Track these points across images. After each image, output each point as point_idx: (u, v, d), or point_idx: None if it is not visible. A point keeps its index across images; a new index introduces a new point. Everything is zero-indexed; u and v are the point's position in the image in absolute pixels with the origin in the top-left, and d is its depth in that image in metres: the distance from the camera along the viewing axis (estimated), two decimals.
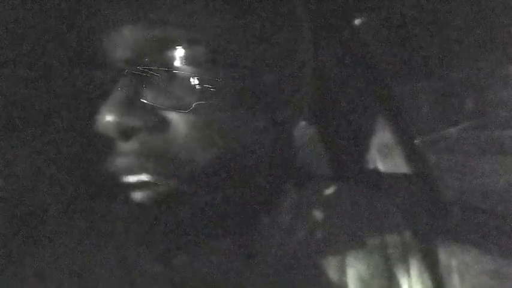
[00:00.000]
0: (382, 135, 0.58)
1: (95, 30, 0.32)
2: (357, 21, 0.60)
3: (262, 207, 0.36)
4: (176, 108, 0.30)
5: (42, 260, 0.36)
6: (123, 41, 0.31)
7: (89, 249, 0.36)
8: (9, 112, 0.38)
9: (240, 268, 0.35)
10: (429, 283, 0.35)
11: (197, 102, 0.30)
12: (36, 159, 0.40)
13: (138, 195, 0.31)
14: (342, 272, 0.35)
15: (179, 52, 0.30)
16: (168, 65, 0.30)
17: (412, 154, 0.59)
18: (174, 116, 0.31)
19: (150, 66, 0.30)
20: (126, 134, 0.31)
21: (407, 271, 0.35)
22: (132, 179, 0.31)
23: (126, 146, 0.31)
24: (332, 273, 0.35)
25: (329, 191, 0.41)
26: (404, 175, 0.58)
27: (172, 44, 0.30)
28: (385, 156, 0.58)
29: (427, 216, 0.54)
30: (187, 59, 0.30)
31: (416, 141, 0.61)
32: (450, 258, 0.36)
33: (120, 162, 0.31)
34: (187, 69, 0.30)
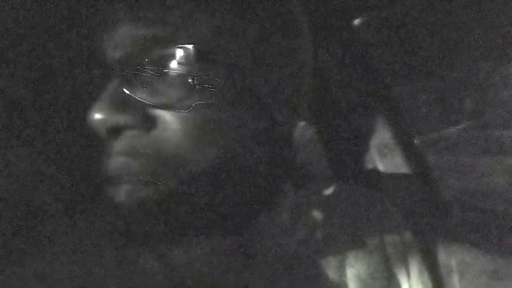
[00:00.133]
0: (382, 135, 0.58)
1: (95, 30, 0.32)
2: (357, 21, 0.61)
3: (262, 207, 0.36)
4: (176, 108, 0.30)
5: (42, 260, 0.36)
6: (122, 41, 0.31)
7: (89, 249, 0.36)
8: (9, 112, 0.38)
9: (239, 268, 0.35)
10: (429, 283, 0.35)
11: (197, 102, 0.30)
12: (36, 159, 0.40)
13: (137, 195, 0.31)
14: (342, 272, 0.35)
15: (179, 52, 0.30)
16: (168, 65, 0.30)
17: (412, 154, 0.59)
18: (174, 116, 0.31)
19: (150, 66, 0.30)
20: (116, 132, 0.31)
21: (407, 271, 0.35)
22: (131, 179, 0.31)
23: (126, 146, 0.31)
24: (332, 273, 0.35)
25: (329, 191, 0.41)
26: (404, 175, 0.58)
27: (172, 44, 0.30)
28: (385, 156, 0.58)
29: (427, 216, 0.54)
30: (187, 59, 0.30)
31: (416, 141, 0.61)
32: (450, 258, 0.36)
33: (120, 162, 0.31)
34: (187, 69, 0.30)
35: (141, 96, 0.30)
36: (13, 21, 0.35)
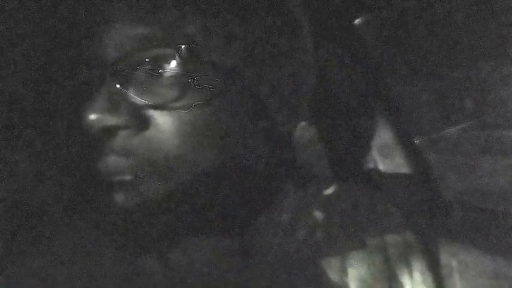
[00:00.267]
0: (382, 135, 0.58)
1: (95, 30, 0.32)
2: (357, 21, 0.60)
3: (262, 207, 0.36)
4: (176, 108, 0.30)
5: (42, 260, 0.36)
6: (121, 41, 0.31)
7: (89, 249, 0.36)
8: (9, 112, 0.38)
9: (239, 268, 0.35)
10: (429, 283, 0.35)
11: (197, 102, 0.30)
12: (36, 159, 0.40)
13: (137, 195, 0.31)
14: (342, 272, 0.35)
15: (179, 52, 0.30)
16: (168, 65, 0.30)
17: (412, 154, 0.59)
18: (174, 116, 0.31)
19: (150, 66, 0.30)
20: (113, 132, 0.31)
21: (408, 271, 0.35)
22: (131, 179, 0.31)
23: (124, 146, 0.31)
24: (332, 274, 0.35)
25: (329, 191, 0.41)
26: (405, 175, 0.58)
27: (171, 44, 0.30)
28: (385, 156, 0.58)
29: (427, 216, 0.54)
30: (187, 59, 0.30)
31: (416, 141, 0.61)
32: (450, 258, 0.36)
33: (119, 162, 0.31)
34: (187, 69, 0.30)
35: (140, 96, 0.30)
36: (13, 21, 0.35)
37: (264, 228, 0.36)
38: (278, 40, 0.34)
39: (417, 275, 0.35)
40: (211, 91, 0.31)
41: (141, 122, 0.31)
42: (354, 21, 0.60)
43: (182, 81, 0.30)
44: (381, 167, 0.58)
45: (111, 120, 0.30)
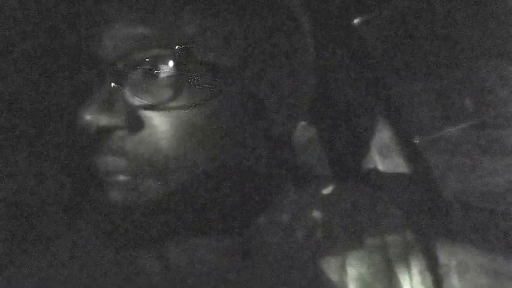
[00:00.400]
0: (382, 135, 0.58)
1: (95, 30, 0.32)
2: (356, 21, 0.60)
3: (262, 207, 0.36)
4: (176, 108, 0.30)
5: (42, 260, 0.36)
6: (121, 41, 0.31)
7: (89, 249, 0.36)
8: (10, 112, 0.38)
9: (239, 268, 0.35)
10: (429, 283, 0.35)
11: (197, 102, 0.30)
12: (36, 159, 0.40)
13: (137, 195, 0.31)
14: (342, 272, 0.35)
15: (179, 52, 0.30)
16: (168, 65, 0.30)
17: (412, 154, 0.59)
18: (174, 116, 0.31)
19: (151, 67, 0.30)
20: (110, 132, 0.31)
21: (408, 271, 0.35)
22: (131, 178, 0.31)
23: (124, 146, 0.31)
24: (332, 273, 0.35)
25: (329, 191, 0.41)
26: (405, 175, 0.58)
27: (172, 44, 0.30)
28: (385, 156, 0.58)
29: (427, 216, 0.54)
30: (187, 59, 0.30)
31: (416, 141, 0.61)
32: (450, 258, 0.36)
33: (119, 162, 0.31)
34: (186, 69, 0.30)
35: (140, 96, 0.30)
36: (13, 21, 0.35)
37: (264, 228, 0.36)
38: (278, 40, 0.34)
39: (417, 275, 0.35)
40: (211, 91, 0.31)
41: (141, 122, 0.31)
42: (353, 21, 0.60)
43: (182, 81, 0.30)
44: (381, 167, 0.58)
45: (110, 120, 0.30)
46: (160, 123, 0.31)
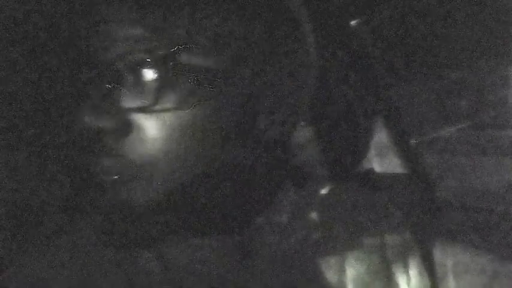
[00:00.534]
0: (382, 136, 0.58)
1: (95, 30, 0.32)
2: (356, 21, 0.60)
3: (262, 207, 0.36)
4: (176, 108, 0.30)
5: (42, 260, 0.36)
6: (122, 41, 0.31)
7: (88, 249, 0.36)
8: (10, 112, 0.39)
9: (239, 268, 0.35)
10: (428, 283, 0.35)
11: (197, 102, 0.30)
12: (36, 159, 0.40)
13: (138, 195, 0.32)
14: (341, 272, 0.35)
15: (179, 52, 0.30)
16: (168, 65, 0.30)
17: (411, 154, 0.59)
18: (174, 116, 0.31)
19: (151, 67, 0.30)
20: (110, 132, 0.31)
21: (407, 271, 0.35)
22: (131, 178, 0.31)
23: (125, 146, 0.31)
24: (332, 273, 0.35)
25: (328, 191, 0.41)
26: (404, 175, 0.58)
27: (172, 44, 0.30)
28: (384, 156, 0.58)
29: (426, 216, 0.54)
30: (188, 60, 0.30)
31: (415, 141, 0.61)
32: (449, 258, 0.36)
33: (119, 162, 0.31)
34: (186, 70, 0.30)
35: (139, 96, 0.30)
36: (13, 21, 0.35)
37: (264, 228, 0.36)
38: (278, 40, 0.34)
39: (416, 275, 0.35)
40: (211, 91, 0.31)
41: (141, 122, 0.31)
42: (353, 21, 0.60)
43: (182, 81, 0.30)
44: (380, 167, 0.58)
45: (109, 120, 0.30)
46: (160, 124, 0.31)
